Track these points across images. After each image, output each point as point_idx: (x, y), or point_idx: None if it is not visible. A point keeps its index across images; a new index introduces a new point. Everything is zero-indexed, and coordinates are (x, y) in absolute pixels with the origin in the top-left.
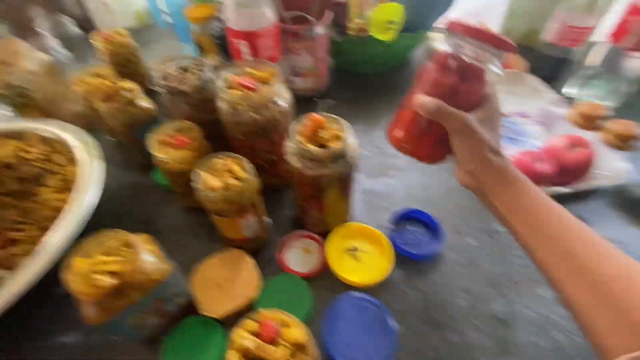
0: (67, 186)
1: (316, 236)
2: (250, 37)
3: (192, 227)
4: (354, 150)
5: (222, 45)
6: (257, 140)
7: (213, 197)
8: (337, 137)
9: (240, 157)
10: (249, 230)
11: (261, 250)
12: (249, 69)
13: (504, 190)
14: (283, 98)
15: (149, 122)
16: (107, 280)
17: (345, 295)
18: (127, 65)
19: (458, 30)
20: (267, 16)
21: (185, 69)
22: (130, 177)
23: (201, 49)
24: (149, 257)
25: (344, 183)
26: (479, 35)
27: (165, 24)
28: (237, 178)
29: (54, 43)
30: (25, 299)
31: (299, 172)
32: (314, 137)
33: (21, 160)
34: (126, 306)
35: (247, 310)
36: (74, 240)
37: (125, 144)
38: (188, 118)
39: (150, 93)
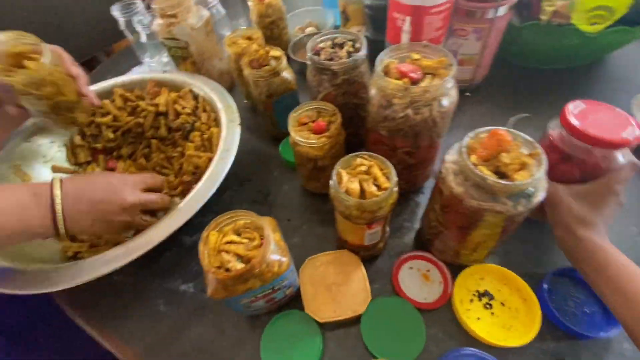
0: (207, 145)
1: (441, 264)
2: (418, 12)
3: (308, 211)
4: (542, 188)
5: (374, 18)
6: (401, 140)
7: (348, 201)
8: (523, 166)
9: (387, 162)
10: (370, 239)
11: (374, 259)
12: (415, 55)
13: (585, 259)
14: (449, 97)
15: (288, 94)
16: (237, 266)
17: (470, 351)
18: (272, 29)
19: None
20: None
21: (340, 45)
22: (258, 144)
23: (346, 19)
24: (275, 247)
25: (510, 224)
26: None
27: None
28: (378, 186)
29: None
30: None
31: (456, 197)
32: (491, 160)
33: (175, 111)
34: (244, 291)
35: (351, 323)
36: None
37: (260, 111)
38: (329, 98)
39: (289, 61)
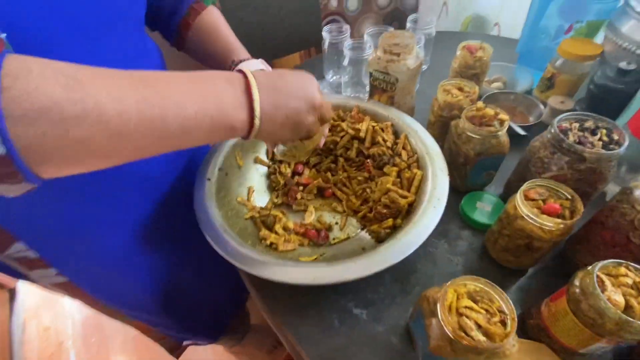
0: (406, 185)
1: None
2: None
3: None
4: None
5: (597, 97)
6: None
7: (608, 311)
8: None
9: None
10: (593, 350)
11: None
12: None
13: None
14: None
15: (496, 157)
16: (480, 337)
17: None
18: (472, 80)
19: None
20: None
21: (591, 131)
22: None
23: (549, 86)
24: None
25: None
26: None
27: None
28: None
29: (422, 41)
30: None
31: None
32: None
33: (372, 140)
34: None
35: None
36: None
37: (456, 161)
38: (560, 179)
39: None
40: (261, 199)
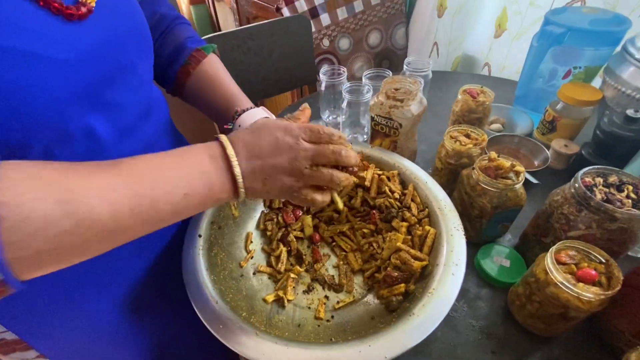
0: (417, 243)
1: None
2: None
3: (514, 349)
4: None
5: (603, 143)
6: None
7: None
8: None
9: None
10: None
11: None
12: None
13: None
14: None
15: (513, 210)
16: None
17: None
18: (474, 124)
19: None
20: None
21: (616, 187)
22: None
23: (550, 130)
24: None
25: None
26: None
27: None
28: None
29: (422, 84)
30: None
31: None
32: None
33: (377, 189)
34: None
35: None
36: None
37: (471, 213)
38: (587, 239)
39: None
40: (260, 242)
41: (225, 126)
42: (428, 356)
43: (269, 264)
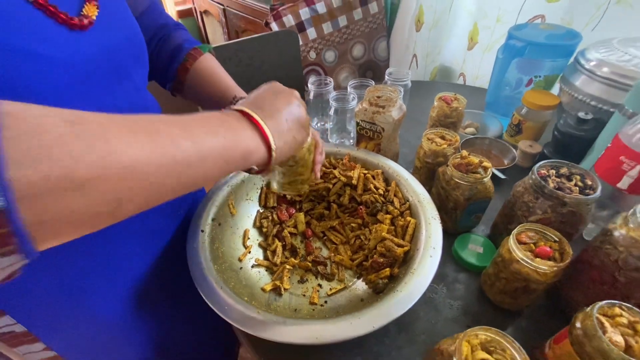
0: (400, 233)
1: None
2: None
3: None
4: None
5: (560, 142)
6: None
7: (611, 353)
8: None
9: None
10: None
11: None
12: None
13: None
14: None
15: (483, 201)
16: None
17: None
18: (449, 128)
19: None
20: None
21: (566, 177)
22: None
23: (517, 132)
24: None
25: None
26: None
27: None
28: None
29: (402, 93)
30: None
31: None
32: None
33: (363, 187)
34: None
35: None
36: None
37: (446, 206)
38: (543, 222)
39: None
40: (257, 238)
41: None
42: (411, 332)
43: (265, 258)
